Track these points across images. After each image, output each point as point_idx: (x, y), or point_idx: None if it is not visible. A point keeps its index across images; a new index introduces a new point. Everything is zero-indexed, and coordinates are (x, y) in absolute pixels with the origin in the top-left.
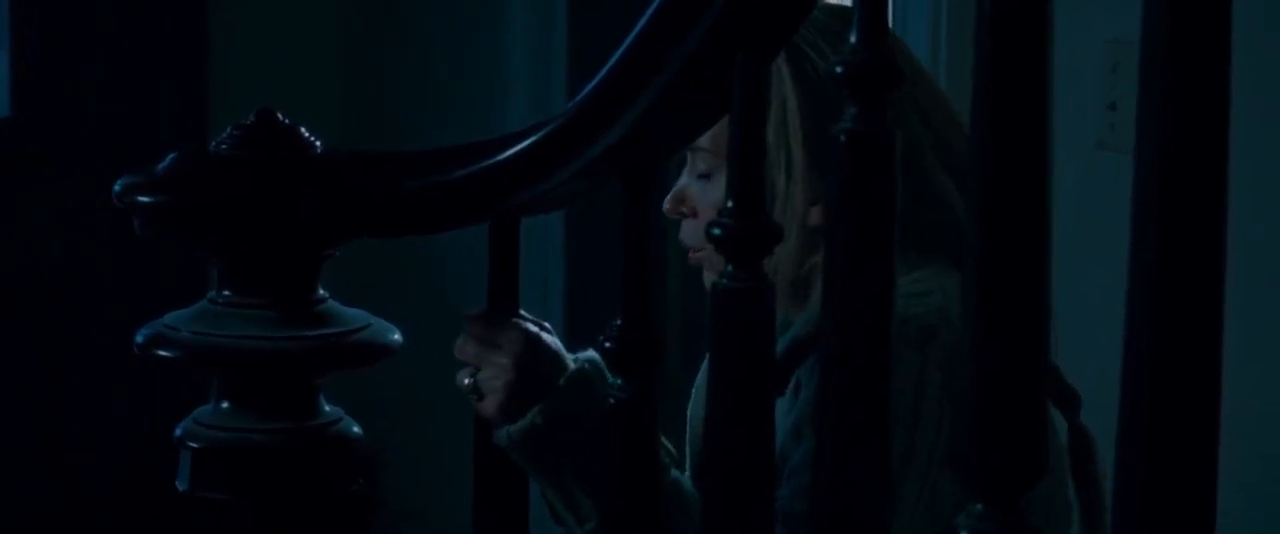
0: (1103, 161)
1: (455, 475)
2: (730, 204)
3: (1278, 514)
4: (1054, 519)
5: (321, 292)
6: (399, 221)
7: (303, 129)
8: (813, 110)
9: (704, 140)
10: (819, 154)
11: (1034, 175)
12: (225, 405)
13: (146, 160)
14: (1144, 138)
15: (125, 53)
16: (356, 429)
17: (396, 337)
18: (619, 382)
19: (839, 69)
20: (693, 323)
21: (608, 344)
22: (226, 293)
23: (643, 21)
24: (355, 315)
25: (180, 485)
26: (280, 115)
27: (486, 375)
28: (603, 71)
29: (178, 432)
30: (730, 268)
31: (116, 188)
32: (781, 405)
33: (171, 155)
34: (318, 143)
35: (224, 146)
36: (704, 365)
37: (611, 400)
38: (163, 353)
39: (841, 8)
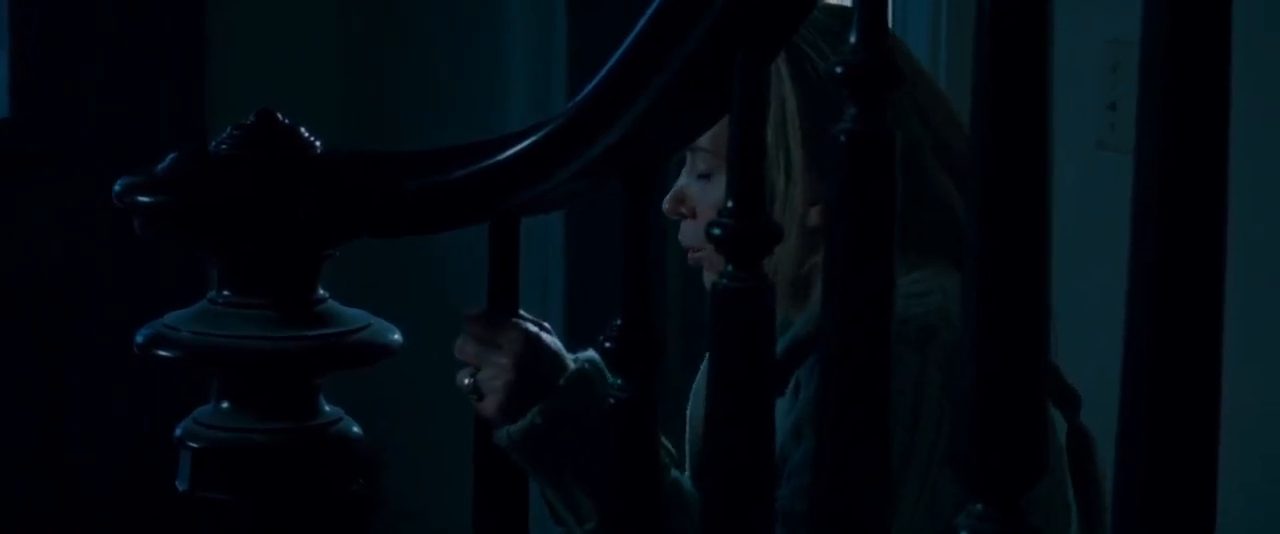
0: (1103, 161)
1: (455, 475)
2: (730, 204)
3: (1278, 514)
4: (1054, 519)
5: (321, 292)
6: (399, 221)
7: (303, 129)
8: (812, 110)
9: (704, 140)
10: (818, 154)
11: (1034, 175)
12: (225, 405)
13: (146, 160)
14: (1144, 138)
15: (125, 53)
16: (356, 429)
17: (396, 337)
18: (619, 382)
19: (839, 69)
20: (693, 323)
21: (608, 344)
22: (226, 293)
23: (642, 21)
24: (355, 315)
25: (180, 485)
26: (280, 115)
27: (486, 375)
28: (603, 72)
29: (178, 432)
30: (730, 268)
31: (116, 188)
32: (781, 406)
33: (171, 155)
34: (318, 143)
35: (224, 147)
36: (704, 365)
37: (611, 400)
38: (163, 353)
39: (841, 8)
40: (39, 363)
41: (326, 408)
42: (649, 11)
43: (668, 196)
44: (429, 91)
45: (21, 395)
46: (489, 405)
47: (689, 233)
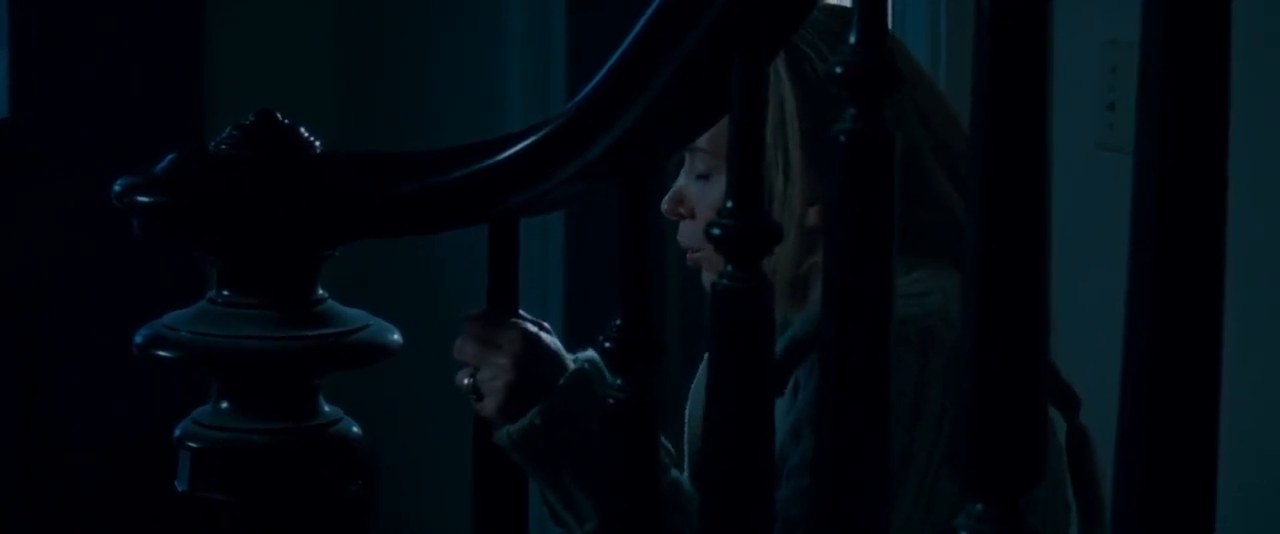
0: (1102, 162)
1: (455, 476)
2: (730, 204)
3: (1277, 514)
4: (1053, 520)
5: (321, 292)
6: (398, 222)
7: (302, 129)
8: (811, 111)
9: (702, 141)
10: (817, 155)
11: (1033, 176)
12: (224, 405)
13: (144, 161)
14: (1143, 138)
15: (124, 53)
16: (356, 429)
17: (396, 337)
18: (618, 382)
19: (839, 69)
20: (693, 323)
21: (607, 344)
22: (226, 293)
23: (642, 22)
24: (355, 315)
25: (179, 486)
26: (279, 115)
27: (486, 375)
28: (602, 72)
29: (177, 432)
30: (730, 267)
31: (116, 188)
32: (780, 406)
33: (171, 155)
34: (317, 143)
35: (223, 147)
36: (703, 365)
37: (610, 401)
38: (162, 353)
39: (841, 9)
40: (38, 363)
41: (326, 408)
42: (648, 12)
43: (666, 197)
44: (428, 92)
45: (20, 395)
46: (488, 406)
47: (687, 233)
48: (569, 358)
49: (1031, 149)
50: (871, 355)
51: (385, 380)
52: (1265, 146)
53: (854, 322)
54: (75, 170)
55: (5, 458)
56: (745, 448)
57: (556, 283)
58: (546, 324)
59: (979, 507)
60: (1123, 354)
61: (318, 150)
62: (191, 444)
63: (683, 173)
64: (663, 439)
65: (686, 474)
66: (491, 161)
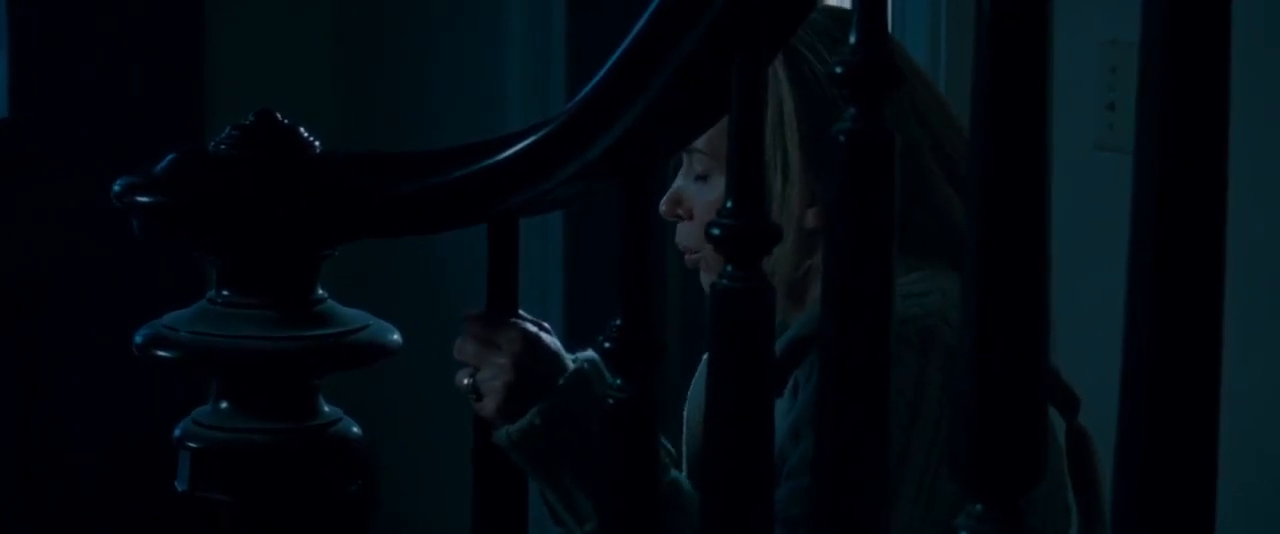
0: (1102, 162)
1: (455, 476)
2: (729, 204)
3: (1277, 514)
4: (1053, 521)
5: (321, 292)
6: (398, 222)
7: (302, 129)
8: (809, 112)
9: (700, 142)
10: (816, 156)
11: (1033, 176)
12: (224, 405)
13: (144, 161)
14: (1143, 138)
15: (123, 53)
16: (356, 429)
17: (396, 337)
18: (618, 382)
19: (839, 69)
20: (693, 323)
21: (607, 344)
22: (225, 293)
23: (641, 22)
24: (354, 315)
25: (179, 486)
26: (279, 115)
27: (485, 376)
28: (601, 72)
29: (177, 432)
30: (729, 268)
31: (115, 188)
32: (779, 406)
33: (170, 155)
34: (316, 143)
35: (223, 147)
36: (702, 365)
37: (610, 401)
38: (162, 353)
39: (840, 10)
40: (37, 363)
41: (326, 408)
42: (648, 12)
43: (664, 198)
44: (428, 92)
45: (20, 395)
46: (488, 406)
47: (686, 234)
48: (569, 358)
49: (1031, 149)
50: (871, 355)
51: (385, 380)
52: (1265, 146)
53: (854, 322)
54: (75, 170)
55: (5, 458)
56: (745, 448)
57: (556, 283)
58: (546, 324)
59: (979, 507)
60: (1122, 354)
61: (317, 150)
62: (191, 444)
63: (680, 174)
64: (663, 439)
65: (685, 474)
66: (491, 161)
